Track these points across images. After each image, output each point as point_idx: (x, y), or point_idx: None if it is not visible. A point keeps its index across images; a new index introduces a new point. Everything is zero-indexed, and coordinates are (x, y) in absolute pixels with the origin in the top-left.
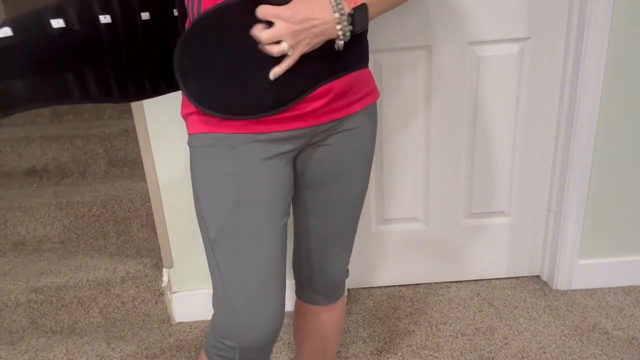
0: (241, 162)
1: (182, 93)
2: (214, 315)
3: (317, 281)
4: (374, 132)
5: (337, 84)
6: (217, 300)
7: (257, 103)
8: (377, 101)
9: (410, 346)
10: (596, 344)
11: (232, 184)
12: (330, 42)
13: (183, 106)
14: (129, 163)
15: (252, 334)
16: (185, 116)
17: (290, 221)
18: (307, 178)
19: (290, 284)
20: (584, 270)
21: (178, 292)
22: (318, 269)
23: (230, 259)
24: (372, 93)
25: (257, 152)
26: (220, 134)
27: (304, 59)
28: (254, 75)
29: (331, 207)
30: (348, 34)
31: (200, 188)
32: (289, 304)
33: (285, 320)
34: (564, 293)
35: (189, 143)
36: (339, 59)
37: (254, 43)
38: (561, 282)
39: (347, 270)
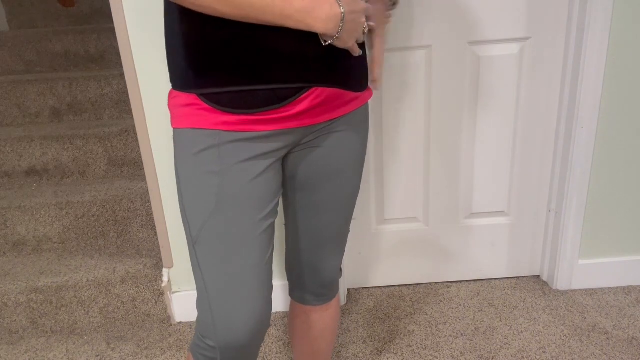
0: (225, 161)
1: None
2: (198, 314)
3: (309, 282)
4: (365, 133)
5: (328, 90)
6: (199, 299)
7: (255, 98)
8: (377, 101)
9: (410, 346)
10: (596, 344)
11: (215, 183)
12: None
13: (173, 97)
14: (129, 163)
15: (231, 334)
16: (174, 107)
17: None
18: (297, 180)
19: (284, 284)
20: (584, 270)
21: (178, 292)
22: (310, 270)
23: (211, 259)
24: (364, 94)
25: (242, 151)
26: (207, 131)
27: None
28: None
29: (322, 208)
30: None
31: (184, 185)
32: (284, 304)
33: (285, 320)
34: (564, 293)
35: (174, 137)
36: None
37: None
38: (561, 282)
39: (341, 270)
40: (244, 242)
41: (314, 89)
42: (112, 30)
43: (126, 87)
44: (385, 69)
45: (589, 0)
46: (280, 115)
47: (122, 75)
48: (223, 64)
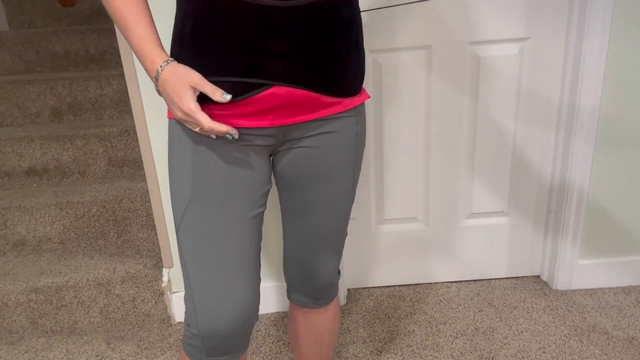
0: (199, 150)
1: None
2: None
3: (305, 284)
4: (359, 136)
5: (294, 91)
6: (185, 287)
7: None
8: (377, 101)
9: (410, 346)
10: (596, 344)
11: (190, 171)
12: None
13: None
14: (129, 163)
15: (211, 323)
16: None
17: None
18: (285, 179)
19: (285, 284)
20: (584, 270)
21: (178, 292)
22: (305, 272)
23: (190, 246)
24: (350, 100)
25: (218, 142)
26: None
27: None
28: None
29: (312, 210)
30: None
31: (170, 174)
32: (284, 304)
33: (285, 320)
34: (564, 293)
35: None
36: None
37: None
38: (561, 282)
39: (339, 273)
40: (223, 231)
41: (276, 87)
42: (112, 30)
43: (126, 87)
44: (386, 68)
45: (589, 0)
46: (242, 111)
47: (122, 75)
48: (191, 55)
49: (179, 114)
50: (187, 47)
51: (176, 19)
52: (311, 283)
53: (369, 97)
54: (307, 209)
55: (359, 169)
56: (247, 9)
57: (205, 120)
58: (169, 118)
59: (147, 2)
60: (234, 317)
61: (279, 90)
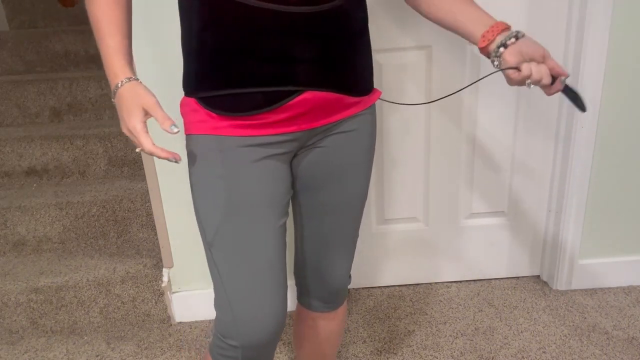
0: (230, 165)
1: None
2: (216, 316)
3: (316, 287)
4: (372, 134)
5: (323, 94)
6: (219, 300)
7: (245, 101)
8: (378, 101)
9: (410, 346)
10: (596, 344)
11: (222, 187)
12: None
13: (183, 104)
14: (129, 163)
15: (253, 333)
16: (184, 114)
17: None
18: (302, 180)
19: (292, 285)
20: (584, 270)
21: (178, 292)
22: (317, 275)
23: (227, 261)
24: (368, 98)
25: (247, 154)
26: (212, 136)
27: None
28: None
29: (328, 210)
30: None
31: (196, 191)
32: (291, 305)
33: (287, 320)
34: (564, 293)
35: (185, 144)
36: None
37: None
38: (561, 282)
39: (350, 277)
40: (258, 243)
41: (306, 92)
42: None
43: None
44: (386, 68)
45: (589, 0)
46: (274, 119)
47: None
48: (215, 67)
49: (125, 130)
50: (208, 62)
51: (187, 35)
52: (324, 286)
53: (381, 93)
54: (322, 210)
55: (371, 168)
56: (274, 17)
57: (146, 143)
58: (189, 134)
59: (128, 14)
60: (272, 325)
61: (310, 95)
